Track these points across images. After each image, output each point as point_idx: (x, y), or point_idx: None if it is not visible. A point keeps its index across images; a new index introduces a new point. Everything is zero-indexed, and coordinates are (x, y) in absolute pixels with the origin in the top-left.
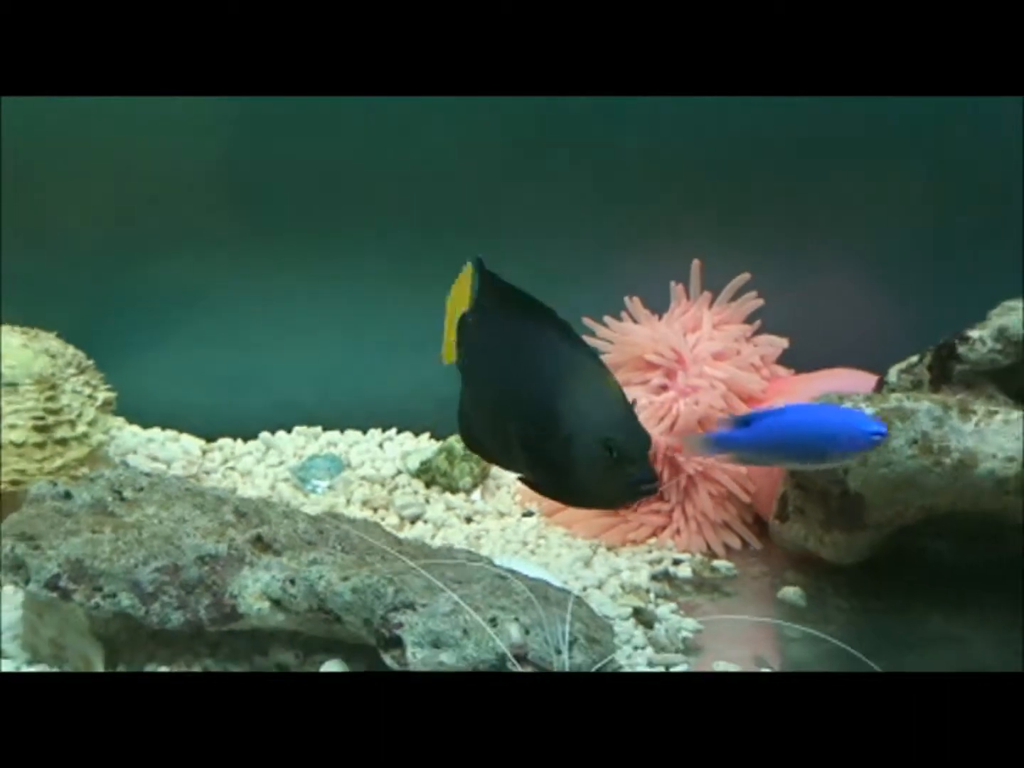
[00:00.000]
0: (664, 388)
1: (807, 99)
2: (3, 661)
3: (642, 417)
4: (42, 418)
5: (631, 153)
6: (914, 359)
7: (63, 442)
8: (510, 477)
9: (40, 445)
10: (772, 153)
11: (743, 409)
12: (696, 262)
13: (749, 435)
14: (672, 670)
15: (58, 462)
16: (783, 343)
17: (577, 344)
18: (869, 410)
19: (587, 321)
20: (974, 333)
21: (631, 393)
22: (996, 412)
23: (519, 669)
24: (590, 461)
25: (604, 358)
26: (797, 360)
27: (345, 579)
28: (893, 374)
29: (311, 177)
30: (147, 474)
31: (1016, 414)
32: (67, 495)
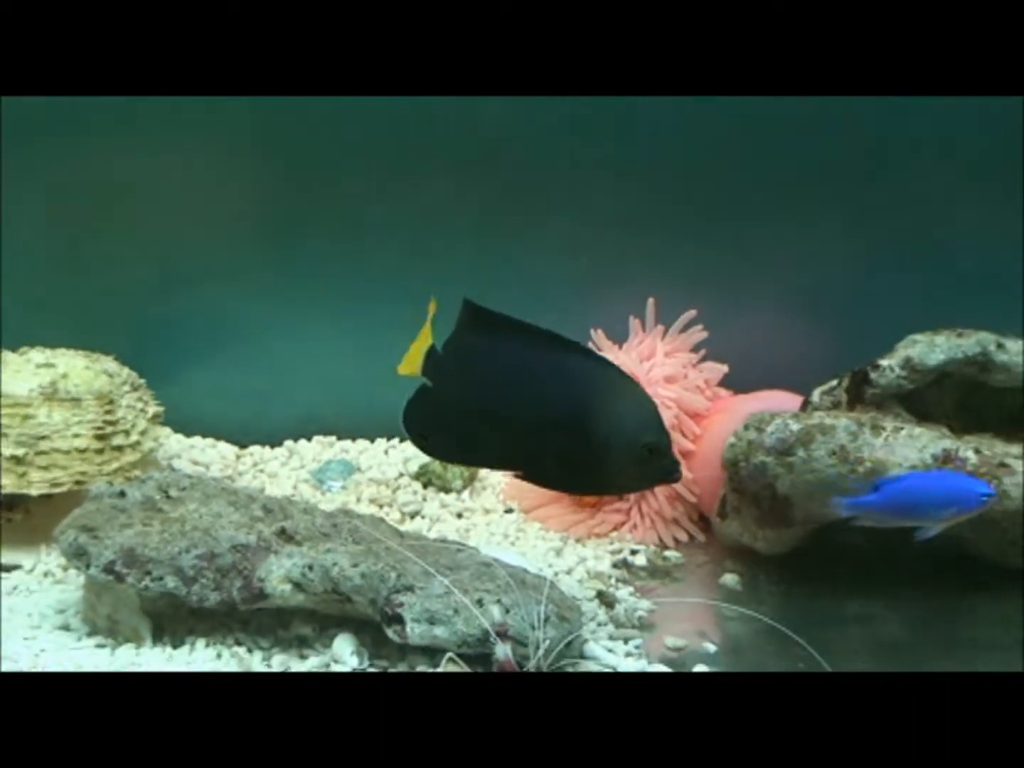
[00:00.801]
0: None
1: (738, 148)
2: (66, 633)
3: None
4: (101, 428)
5: (598, 205)
6: (834, 383)
7: (119, 448)
8: (495, 479)
9: (99, 451)
10: (716, 204)
11: (690, 424)
12: (651, 300)
13: (879, 499)
14: (630, 644)
15: (114, 465)
16: (723, 368)
17: (599, 359)
18: (795, 426)
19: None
20: (884, 362)
21: None
22: (902, 428)
23: (501, 644)
24: (631, 460)
25: None
26: (736, 383)
27: (355, 566)
28: (816, 395)
29: (328, 212)
30: (189, 476)
31: (918, 430)
32: (122, 494)
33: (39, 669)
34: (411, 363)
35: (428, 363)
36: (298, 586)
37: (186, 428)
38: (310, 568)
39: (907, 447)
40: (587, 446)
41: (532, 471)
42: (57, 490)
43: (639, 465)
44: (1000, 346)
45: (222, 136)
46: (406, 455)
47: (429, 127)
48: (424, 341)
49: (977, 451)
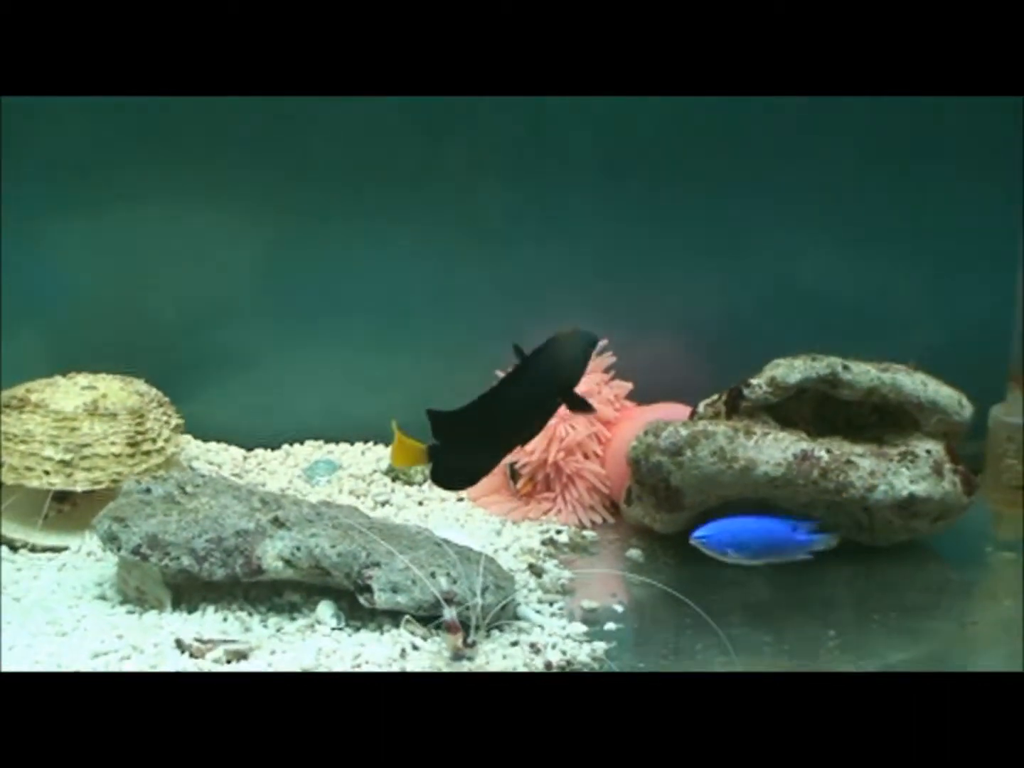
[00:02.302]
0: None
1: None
2: (103, 602)
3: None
4: (133, 437)
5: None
6: (715, 397)
7: (147, 453)
8: None
9: (132, 455)
10: (626, 240)
11: (603, 430)
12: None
13: (711, 538)
14: (555, 606)
15: (143, 467)
16: (628, 385)
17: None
18: (684, 432)
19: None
20: (754, 381)
21: None
22: (768, 433)
23: (448, 609)
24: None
25: None
26: (638, 396)
27: (333, 546)
28: (701, 407)
29: (316, 262)
30: (202, 475)
31: (782, 434)
32: (147, 490)
33: (82, 634)
34: (409, 457)
35: (430, 451)
36: (288, 563)
37: (203, 435)
38: (298, 549)
39: (773, 448)
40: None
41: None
42: (98, 487)
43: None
44: (846, 368)
45: (236, 201)
46: (378, 456)
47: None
48: (406, 444)
49: (828, 451)
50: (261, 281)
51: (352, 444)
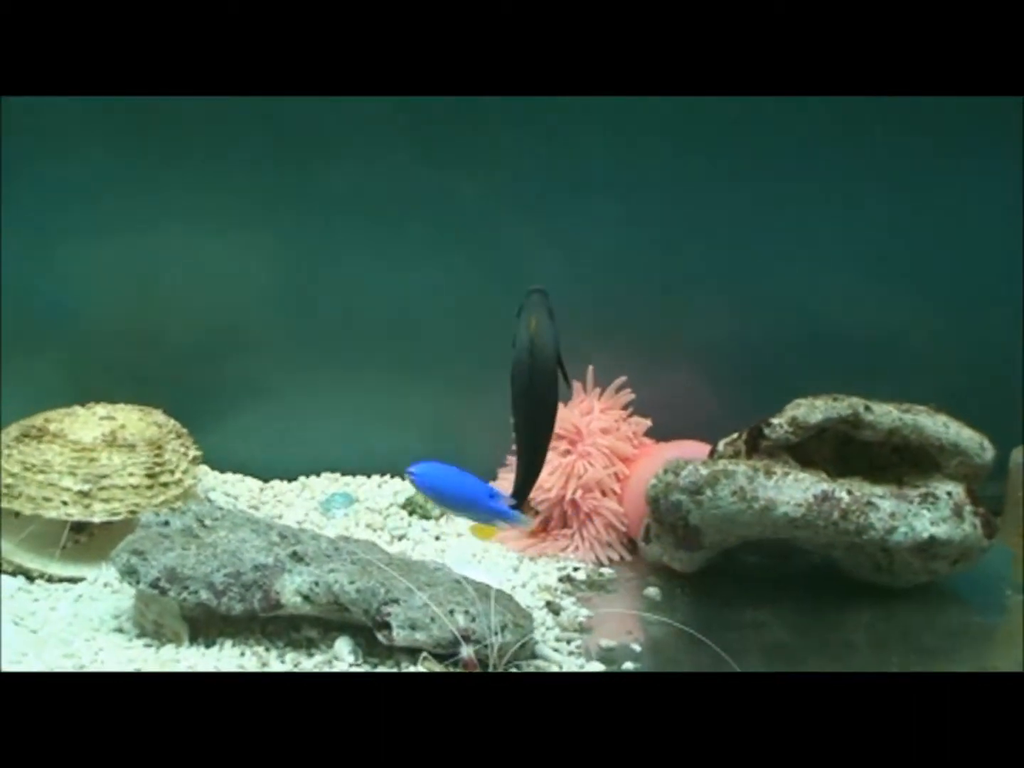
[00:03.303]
0: (568, 452)
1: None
2: (120, 635)
3: (555, 474)
4: (151, 469)
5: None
6: (735, 435)
7: (165, 485)
8: None
9: (150, 487)
10: (638, 291)
11: (621, 466)
12: (590, 367)
13: (419, 479)
14: (572, 644)
15: (161, 498)
16: (647, 422)
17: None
18: (704, 471)
19: None
20: (775, 420)
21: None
22: (789, 473)
23: (466, 646)
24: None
25: None
26: (657, 433)
27: (352, 582)
28: (721, 445)
29: (331, 289)
30: (220, 508)
31: (802, 474)
32: (166, 523)
33: (99, 667)
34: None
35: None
36: (306, 598)
37: (220, 466)
38: (316, 584)
39: (793, 488)
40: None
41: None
42: (115, 518)
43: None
44: (868, 408)
45: (247, 233)
46: (395, 489)
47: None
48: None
49: (849, 492)
50: (278, 309)
51: (369, 477)
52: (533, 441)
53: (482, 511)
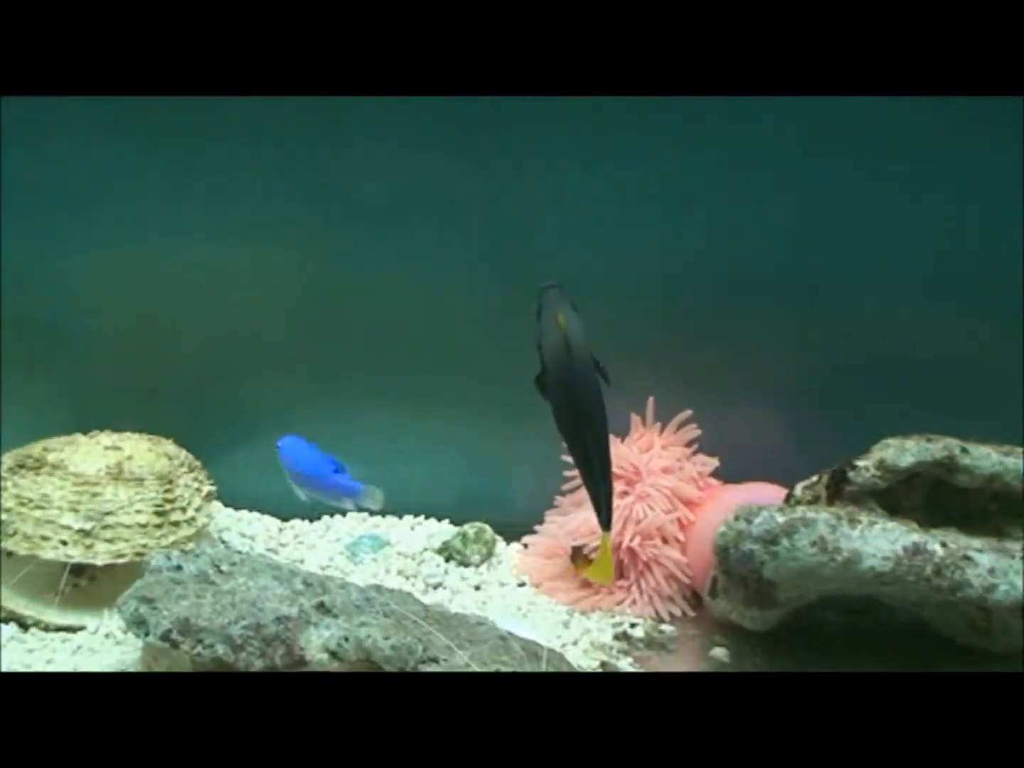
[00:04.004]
0: (625, 493)
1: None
2: None
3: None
4: (161, 506)
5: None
6: (815, 478)
7: (176, 524)
8: (510, 554)
9: (159, 526)
10: (707, 314)
11: (685, 511)
12: (650, 399)
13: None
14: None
15: (171, 539)
16: (714, 462)
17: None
18: (780, 518)
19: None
20: (860, 462)
21: None
22: (875, 522)
23: None
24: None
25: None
26: (725, 474)
27: (386, 638)
28: (799, 489)
29: (362, 318)
30: (239, 552)
31: (890, 524)
32: (178, 567)
33: None
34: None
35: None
36: (334, 655)
37: (235, 502)
38: (346, 639)
39: (880, 539)
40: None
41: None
42: (120, 560)
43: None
44: (964, 451)
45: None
46: (430, 532)
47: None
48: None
49: (943, 544)
50: (302, 329)
51: (400, 517)
52: (591, 444)
53: (327, 486)
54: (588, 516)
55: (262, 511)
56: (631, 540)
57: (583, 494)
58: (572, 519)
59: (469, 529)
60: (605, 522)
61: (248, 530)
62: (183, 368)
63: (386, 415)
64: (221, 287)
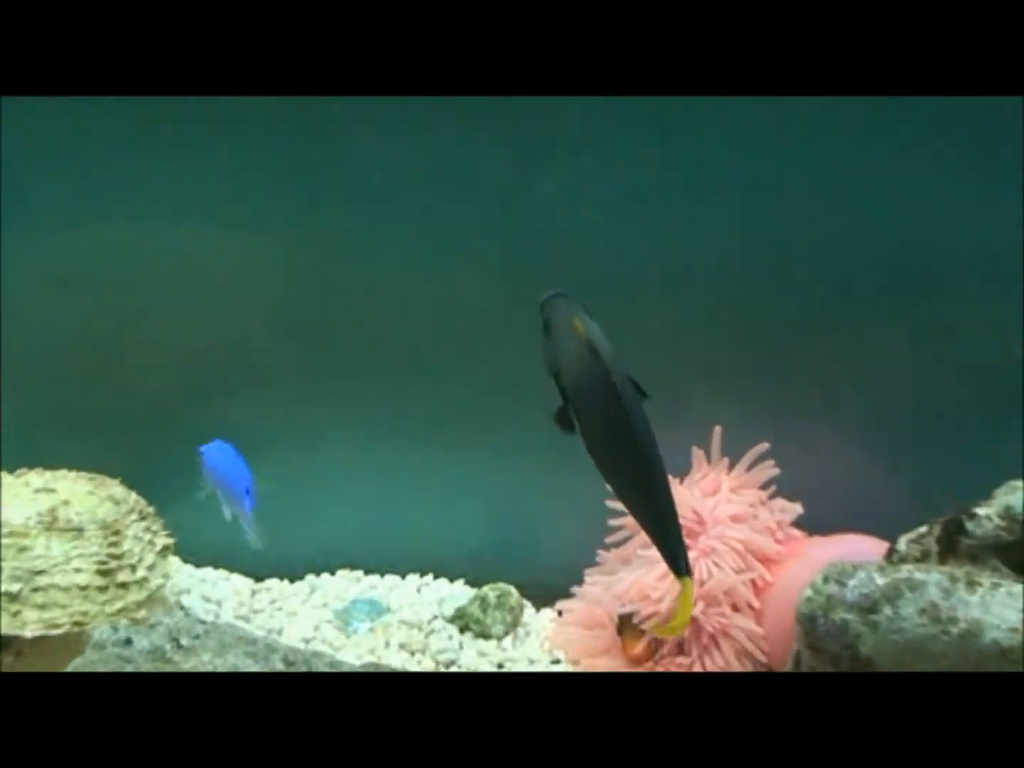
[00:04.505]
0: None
1: (812, 264)
2: None
3: (667, 578)
4: (105, 563)
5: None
6: (923, 529)
7: (124, 585)
8: (540, 624)
9: (102, 588)
10: (785, 325)
11: (761, 570)
12: (716, 428)
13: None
14: None
15: (118, 605)
16: (797, 508)
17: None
18: (880, 580)
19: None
20: (981, 511)
21: (653, 554)
22: (1000, 585)
23: None
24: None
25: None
26: (810, 524)
27: None
28: (903, 543)
29: (355, 333)
30: (202, 621)
31: (1018, 587)
32: (128, 641)
33: None
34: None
35: None
36: None
37: (199, 558)
38: None
39: (1006, 606)
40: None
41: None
42: (54, 632)
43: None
44: None
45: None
46: (440, 595)
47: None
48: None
49: None
50: (283, 343)
51: (403, 577)
52: (644, 475)
53: (237, 502)
54: (640, 575)
55: (231, 568)
56: (693, 607)
57: (634, 547)
58: (620, 580)
59: (490, 592)
60: (683, 567)
61: (214, 593)
62: (135, 388)
63: (386, 446)
64: (187, 287)
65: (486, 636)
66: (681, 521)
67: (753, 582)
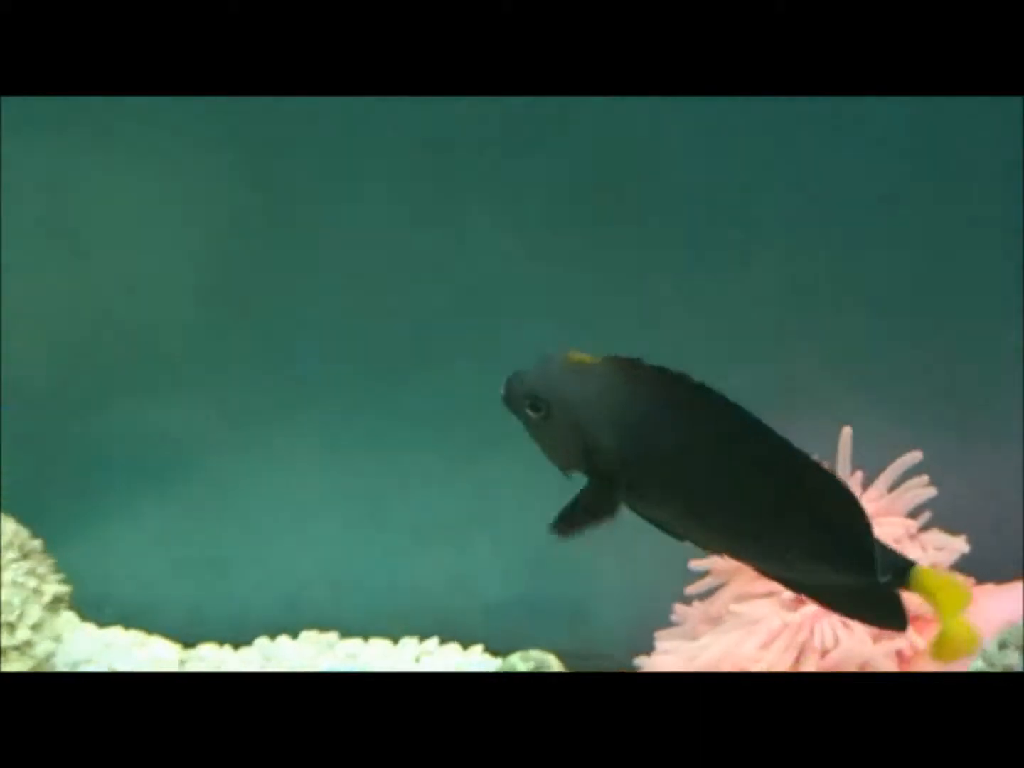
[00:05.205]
0: (801, 602)
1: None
2: None
3: (777, 643)
4: None
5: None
6: None
7: None
8: None
9: None
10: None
11: (913, 638)
12: (846, 430)
13: None
14: None
15: None
16: (961, 546)
17: None
18: None
19: None
20: None
21: (756, 610)
22: None
23: None
24: None
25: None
26: (979, 566)
27: None
28: None
29: (326, 314)
30: None
31: None
32: None
33: None
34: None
35: None
36: None
37: (101, 611)
38: None
39: None
40: None
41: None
42: None
43: None
44: None
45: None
46: (449, 667)
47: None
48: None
49: None
50: (218, 331)
51: (395, 642)
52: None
53: None
54: (735, 641)
55: (150, 629)
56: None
57: (725, 599)
58: (706, 648)
59: (520, 663)
60: (902, 559)
61: (125, 663)
62: (18, 387)
63: (371, 457)
64: (91, 264)
65: None
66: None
67: (898, 651)
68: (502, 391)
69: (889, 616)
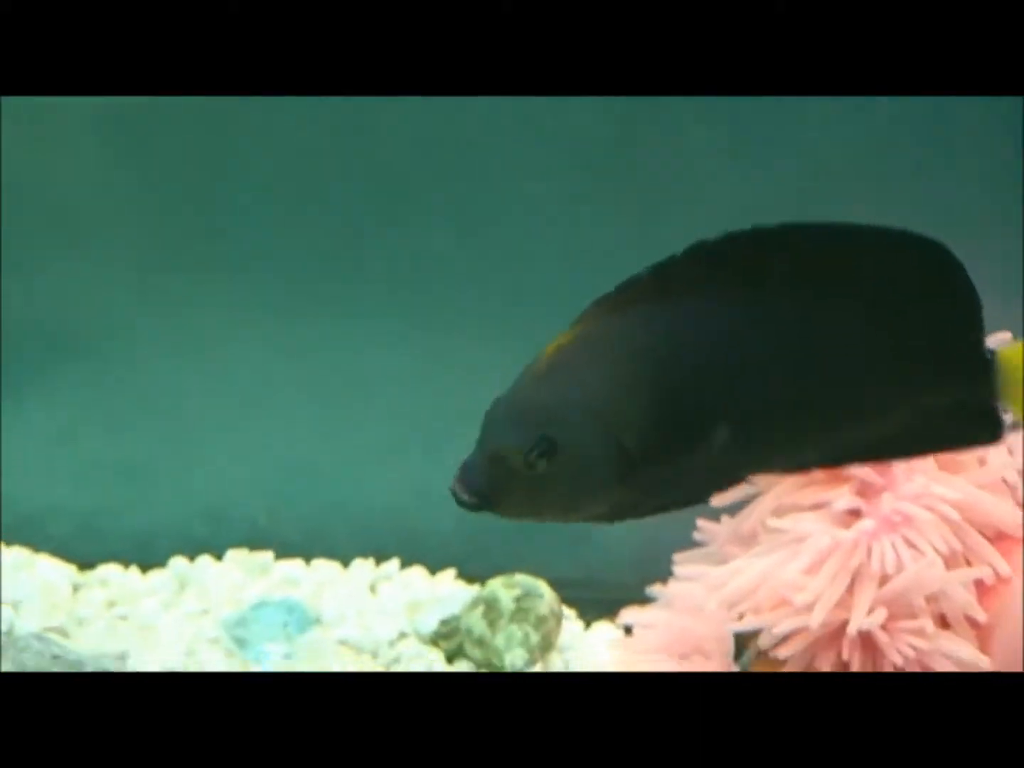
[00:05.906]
0: (856, 514)
1: None
2: None
3: (825, 568)
4: None
5: None
6: None
7: None
8: (592, 647)
9: None
10: None
11: (983, 554)
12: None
13: None
14: None
15: None
16: None
17: None
18: None
19: None
20: None
21: (799, 525)
22: None
23: None
24: None
25: None
26: None
27: None
28: None
29: (282, 174)
30: None
31: None
32: None
33: None
34: None
35: None
36: None
37: None
38: None
39: None
40: None
41: None
42: None
43: None
44: None
45: None
46: (413, 595)
47: None
48: None
49: None
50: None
51: (346, 565)
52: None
53: None
54: (774, 564)
55: (36, 546)
56: (869, 618)
57: (760, 514)
58: (737, 572)
59: (503, 591)
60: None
61: (9, 588)
62: None
63: (321, 337)
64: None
65: (494, 667)
66: (851, 471)
67: (978, 584)
68: (461, 490)
69: (981, 428)
